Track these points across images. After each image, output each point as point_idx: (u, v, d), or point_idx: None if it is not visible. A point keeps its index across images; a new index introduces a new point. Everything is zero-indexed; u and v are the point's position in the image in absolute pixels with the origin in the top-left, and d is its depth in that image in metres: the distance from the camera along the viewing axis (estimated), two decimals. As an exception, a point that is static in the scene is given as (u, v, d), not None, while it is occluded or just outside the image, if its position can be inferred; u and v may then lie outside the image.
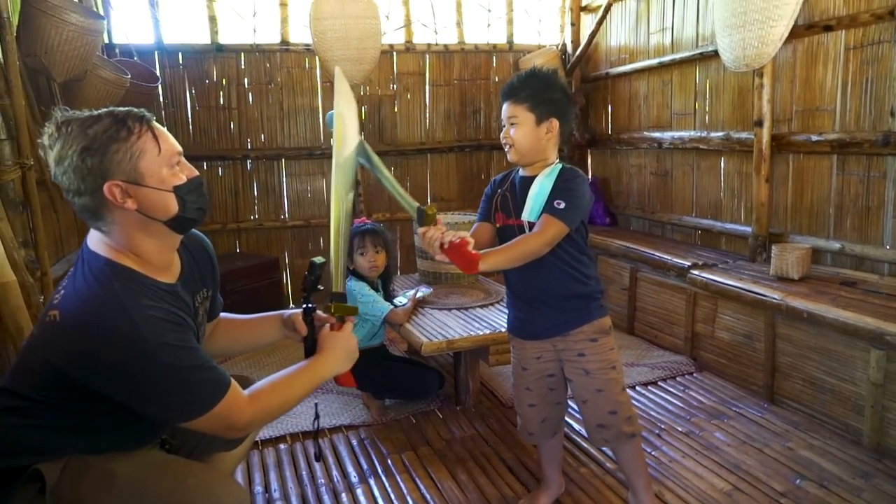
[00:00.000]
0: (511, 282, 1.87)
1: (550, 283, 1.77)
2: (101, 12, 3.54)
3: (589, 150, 4.75)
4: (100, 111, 1.19)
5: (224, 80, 4.05)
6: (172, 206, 1.24)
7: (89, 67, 2.64)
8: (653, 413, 2.61)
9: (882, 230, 2.66)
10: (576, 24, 4.63)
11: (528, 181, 1.76)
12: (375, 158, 1.61)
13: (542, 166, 1.76)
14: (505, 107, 1.76)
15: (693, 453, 2.28)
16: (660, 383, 2.91)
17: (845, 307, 2.32)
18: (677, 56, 3.72)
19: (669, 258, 3.27)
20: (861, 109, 2.70)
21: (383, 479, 2.15)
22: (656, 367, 3.07)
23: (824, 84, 2.86)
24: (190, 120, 4.02)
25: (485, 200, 1.91)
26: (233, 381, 1.27)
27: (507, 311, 1.96)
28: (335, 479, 2.15)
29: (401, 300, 2.68)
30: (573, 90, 4.60)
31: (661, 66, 3.88)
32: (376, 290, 2.60)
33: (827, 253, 2.91)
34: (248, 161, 4.18)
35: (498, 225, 1.85)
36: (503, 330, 2.40)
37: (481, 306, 2.73)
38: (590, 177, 4.68)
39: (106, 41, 3.65)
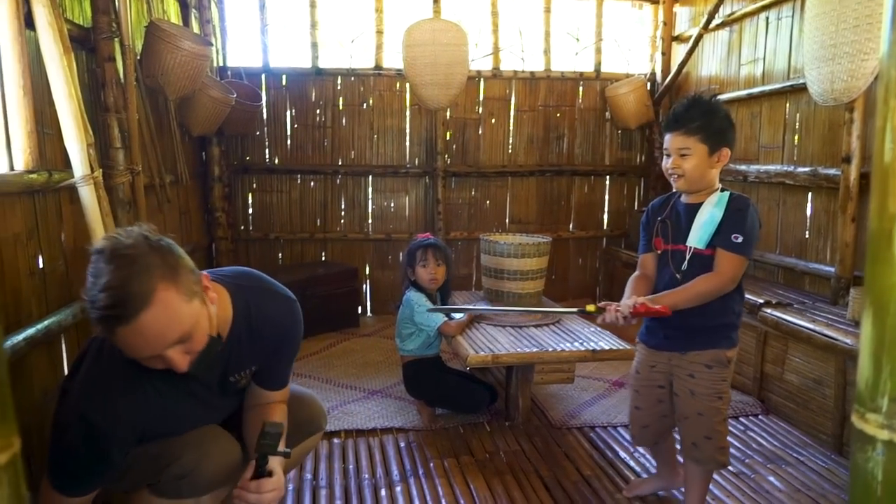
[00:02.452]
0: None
1: (694, 308, 1.75)
2: (219, 38, 3.97)
3: (674, 181, 4.66)
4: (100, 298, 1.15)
5: (321, 101, 4.38)
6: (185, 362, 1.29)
7: (199, 87, 2.98)
8: (705, 450, 2.54)
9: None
10: (666, 54, 4.59)
11: (694, 208, 1.79)
12: None
13: (707, 193, 1.78)
14: (671, 137, 1.76)
15: (739, 494, 2.21)
16: (720, 421, 2.82)
17: (921, 357, 2.17)
18: (767, 88, 3.61)
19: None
20: (958, 149, 2.53)
21: (422, 480, 2.25)
22: (719, 405, 2.97)
23: (919, 121, 2.69)
24: (289, 136, 4.38)
25: (644, 230, 1.96)
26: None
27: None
28: (378, 476, 2.28)
29: (458, 315, 2.79)
30: (660, 119, 4.55)
31: (751, 98, 3.78)
32: (434, 302, 2.73)
33: (915, 300, 2.72)
34: (338, 176, 4.48)
35: (658, 251, 1.89)
36: (550, 349, 2.46)
37: (535, 326, 2.78)
38: (673, 207, 4.59)
39: (220, 64, 4.08)
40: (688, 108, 1.74)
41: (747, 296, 3.11)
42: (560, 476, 2.31)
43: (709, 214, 1.73)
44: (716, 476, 2.33)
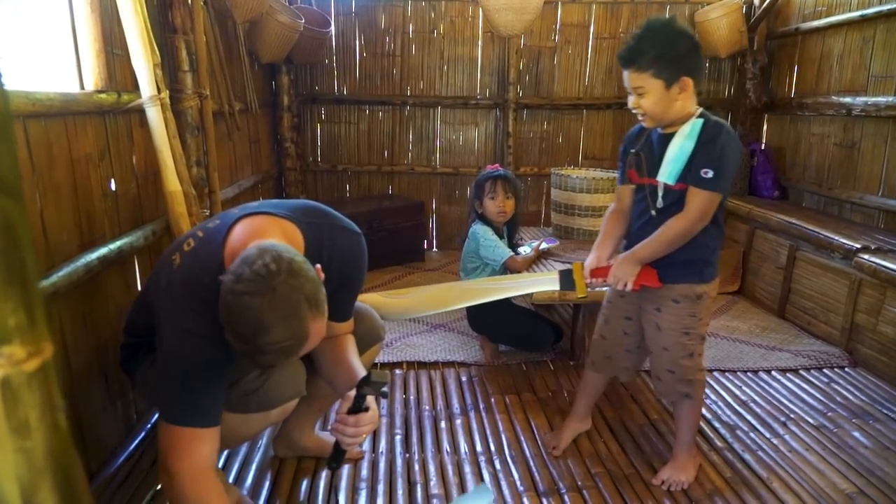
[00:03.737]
0: (630, 231, 1.85)
1: None
2: (287, -39, 3.86)
3: (766, 116, 4.31)
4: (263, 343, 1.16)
5: (391, 29, 4.24)
6: None
7: (267, 11, 2.92)
8: (783, 401, 2.40)
9: None
10: (767, -27, 4.14)
11: (667, 138, 1.67)
12: None
13: (682, 122, 1.65)
14: (627, 75, 1.63)
15: (820, 448, 2.08)
16: (801, 372, 2.66)
17: None
18: (885, 8, 3.20)
19: (836, 238, 2.91)
20: None
21: (483, 415, 2.24)
22: (801, 355, 2.80)
23: None
24: (357, 65, 4.29)
25: (621, 159, 1.85)
26: (214, 432, 1.30)
27: None
28: (439, 408, 2.28)
29: (525, 249, 2.70)
30: (755, 47, 4.16)
31: (864, 20, 3.37)
32: (501, 236, 2.65)
33: None
34: (407, 107, 4.38)
35: (635, 182, 1.79)
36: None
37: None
38: (763, 145, 4.26)
39: (289, -12, 3.99)
40: (638, 40, 1.57)
41: (841, 240, 2.88)
42: (626, 418, 2.24)
43: (679, 147, 1.60)
44: (793, 428, 2.20)
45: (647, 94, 1.60)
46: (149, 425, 2.03)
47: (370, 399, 1.38)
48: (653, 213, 1.72)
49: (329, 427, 1.38)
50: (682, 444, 1.89)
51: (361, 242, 1.54)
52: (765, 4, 4.05)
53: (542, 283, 1.97)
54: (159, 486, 1.73)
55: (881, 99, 3.23)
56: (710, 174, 1.57)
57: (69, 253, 1.60)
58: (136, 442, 1.93)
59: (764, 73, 4.21)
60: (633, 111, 1.67)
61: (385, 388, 1.37)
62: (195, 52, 2.25)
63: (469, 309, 2.71)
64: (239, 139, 3.16)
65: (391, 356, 2.65)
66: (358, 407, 1.35)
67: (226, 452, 1.91)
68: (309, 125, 4.36)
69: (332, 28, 4.09)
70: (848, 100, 3.46)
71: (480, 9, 4.11)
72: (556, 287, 1.97)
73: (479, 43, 4.30)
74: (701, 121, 1.63)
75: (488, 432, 2.13)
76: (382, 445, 2.03)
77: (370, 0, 4.18)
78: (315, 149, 4.40)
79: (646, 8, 4.30)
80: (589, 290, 1.91)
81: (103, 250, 1.70)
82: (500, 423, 2.18)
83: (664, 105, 1.61)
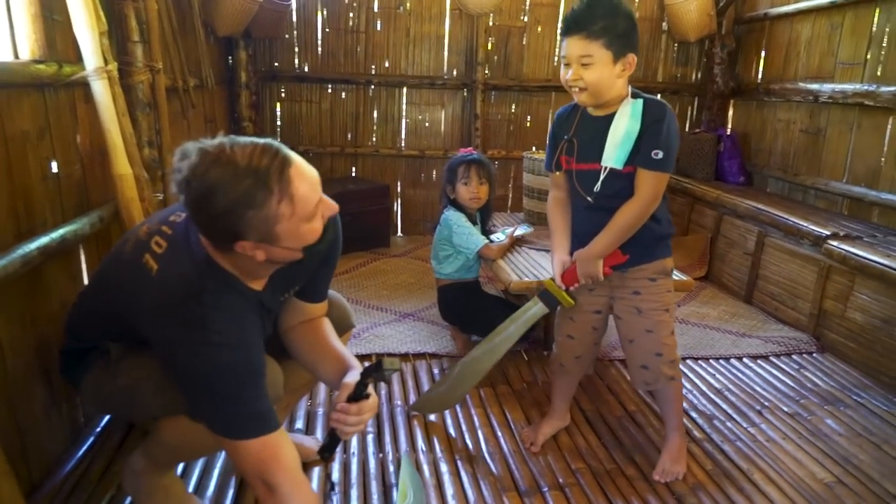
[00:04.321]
0: (575, 221, 1.77)
1: None
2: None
3: (732, 101, 4.31)
4: (243, 165, 1.06)
5: (355, 3, 4.05)
6: (298, 256, 1.21)
7: (224, -21, 2.72)
8: (757, 388, 2.39)
9: None
10: (736, -44, 4.12)
11: (606, 120, 1.60)
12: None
13: (616, 104, 1.59)
14: (570, 42, 1.54)
15: (796, 437, 2.07)
16: (772, 358, 2.66)
17: None
18: (854, -6, 3.21)
19: (806, 225, 2.92)
20: None
21: (457, 409, 2.15)
22: (771, 342, 2.80)
23: None
24: (320, 41, 4.09)
25: (551, 143, 1.76)
26: (284, 431, 1.25)
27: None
28: (411, 402, 2.19)
29: (498, 236, 2.61)
30: (723, 32, 4.15)
31: (833, 7, 3.37)
32: (474, 222, 2.55)
33: None
34: (371, 87, 4.21)
35: (566, 168, 1.71)
36: (600, 278, 2.28)
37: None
38: (728, 130, 4.27)
39: (246, -43, 3.75)
40: (589, 6, 1.50)
41: (810, 227, 2.89)
42: (603, 410, 2.19)
43: (625, 129, 1.54)
44: (768, 416, 2.19)
45: (593, 66, 1.52)
46: (98, 429, 1.87)
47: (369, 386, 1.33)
48: (589, 199, 1.66)
49: (330, 416, 1.33)
50: (674, 429, 1.85)
51: (337, 218, 1.43)
52: (733, -12, 4.03)
53: (531, 316, 1.85)
54: (110, 496, 1.59)
55: (848, 86, 3.24)
56: (661, 154, 1.54)
57: (4, 243, 1.43)
58: (85, 448, 1.77)
59: (732, 59, 4.20)
60: (570, 86, 1.58)
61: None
62: (146, 20, 2.06)
63: (442, 297, 2.62)
64: (194, 118, 2.96)
65: (360, 347, 2.54)
66: (360, 394, 1.29)
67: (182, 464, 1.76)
68: (268, 104, 4.16)
69: (294, 1, 3.89)
70: (815, 86, 3.47)
71: (448, -15, 3.98)
72: (545, 310, 1.83)
73: (447, 21, 4.15)
74: (641, 100, 1.57)
75: (464, 428, 2.05)
76: (354, 446, 1.92)
77: (334, -28, 3.98)
78: (275, 129, 4.20)
79: (616, -11, 4.22)
80: (572, 293, 1.80)
81: (44, 239, 1.52)
82: (475, 419, 2.10)
83: (608, 81, 1.54)
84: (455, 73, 4.24)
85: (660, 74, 4.43)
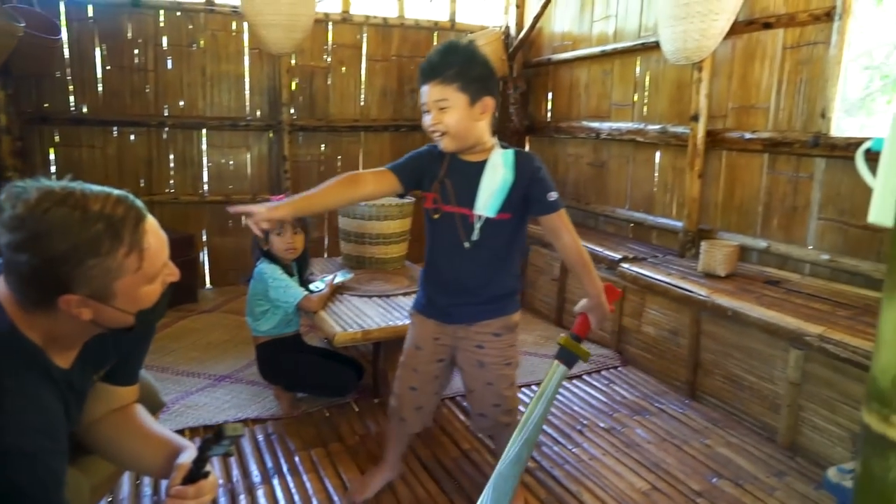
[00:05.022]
0: (439, 266, 1.73)
1: (486, 274, 1.67)
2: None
3: (527, 137, 4.67)
4: (95, 210, 0.97)
5: (140, 39, 3.72)
6: (130, 322, 1.06)
7: (-32, 10, 2.32)
8: (576, 409, 2.55)
9: (806, 231, 2.68)
10: (521, 7, 4.50)
11: (477, 168, 1.60)
12: None
13: (483, 150, 1.61)
14: (428, 88, 1.55)
15: (614, 451, 2.23)
16: (585, 377, 2.86)
17: (768, 306, 2.30)
18: (619, 45, 3.65)
19: (601, 250, 3.22)
20: (794, 109, 2.70)
21: (288, 478, 1.99)
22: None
23: (760, 82, 2.84)
24: (100, 80, 3.68)
25: (413, 161, 1.70)
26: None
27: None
28: (234, 480, 1.98)
29: (317, 285, 2.51)
30: (514, 75, 4.49)
31: (604, 55, 3.81)
32: (291, 274, 2.42)
33: (753, 251, 2.92)
34: (165, 129, 3.87)
35: (430, 206, 1.67)
36: (425, 320, 2.28)
37: (404, 294, 2.59)
38: (527, 164, 4.60)
39: (0, -15, 3.27)
40: (443, 54, 1.56)
41: (605, 252, 3.18)
42: (439, 454, 2.17)
43: (500, 180, 1.58)
44: (588, 435, 2.34)
45: (450, 110, 1.54)
46: None
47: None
48: (466, 245, 1.65)
49: None
50: None
51: None
52: (520, 36, 4.39)
53: (557, 383, 1.61)
54: None
55: (622, 125, 3.67)
56: (554, 195, 1.60)
57: None
58: None
59: (524, 99, 4.55)
60: (431, 131, 1.58)
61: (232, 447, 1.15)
62: None
63: (261, 356, 2.43)
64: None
65: (171, 423, 2.24)
66: (198, 473, 1.13)
67: None
68: (39, 150, 3.62)
69: (64, 34, 3.46)
70: (596, 124, 3.88)
71: (245, 23, 3.82)
72: (568, 370, 1.63)
73: (247, 60, 3.98)
74: (511, 151, 1.62)
75: (297, 499, 1.89)
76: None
77: (112, 6, 3.61)
78: (48, 178, 3.66)
79: (416, 33, 4.38)
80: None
81: None
82: (308, 486, 1.96)
83: (467, 124, 1.56)
84: (259, 113, 4.06)
85: (462, 114, 4.65)
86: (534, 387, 2.74)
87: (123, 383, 1.29)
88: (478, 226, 1.62)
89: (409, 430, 1.89)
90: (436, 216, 1.68)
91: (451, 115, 1.55)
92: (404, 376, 1.82)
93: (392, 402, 1.87)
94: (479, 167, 1.61)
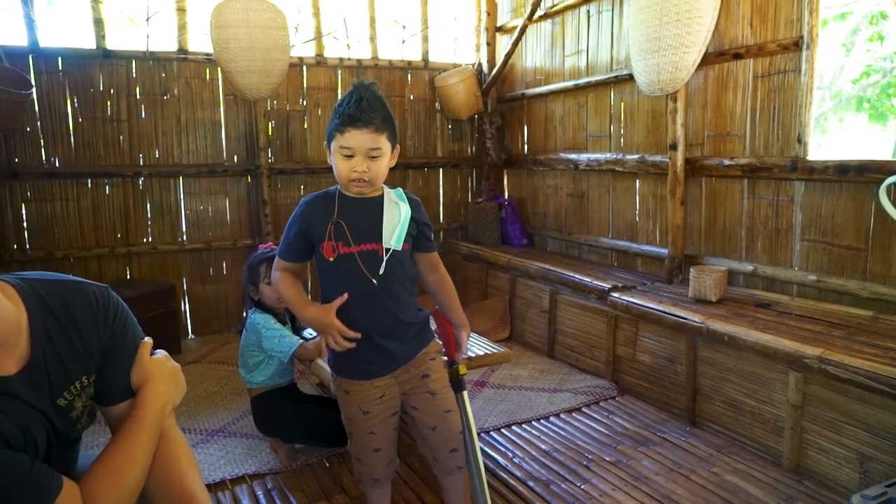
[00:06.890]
0: (353, 313, 1.62)
1: (401, 304, 1.67)
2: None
3: (505, 171, 4.71)
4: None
5: (112, 90, 3.67)
6: None
7: (-60, 68, 2.26)
8: (580, 443, 2.51)
9: (791, 252, 2.73)
10: (491, 45, 4.59)
11: (373, 204, 1.63)
12: None
13: (375, 189, 1.65)
14: (357, 136, 1.52)
15: (623, 485, 2.19)
16: (584, 409, 2.84)
17: (763, 330, 2.33)
18: (592, 79, 3.73)
19: (590, 280, 3.23)
20: (770, 136, 2.78)
21: (293, 537, 1.91)
22: (579, 392, 3.00)
23: (734, 110, 2.92)
24: (72, 132, 3.61)
25: (296, 241, 1.65)
26: (67, 483, 1.00)
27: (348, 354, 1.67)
28: (237, 542, 1.89)
29: (311, 332, 2.45)
30: (489, 110, 4.55)
31: (577, 89, 3.89)
32: (283, 323, 2.36)
33: (740, 274, 2.96)
34: (141, 178, 3.80)
35: (339, 253, 1.60)
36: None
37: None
38: (506, 196, 4.64)
39: (-32, 41, 3.21)
40: (369, 102, 1.53)
41: (595, 282, 3.19)
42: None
43: (404, 213, 1.64)
44: (595, 469, 2.30)
45: (381, 158, 1.57)
46: None
47: None
48: (374, 281, 1.60)
49: None
50: None
51: (110, 294, 1.18)
52: (493, 72, 4.47)
53: (469, 407, 1.81)
54: None
55: (600, 155, 3.73)
56: (432, 235, 1.77)
57: None
58: None
59: (500, 133, 4.61)
60: (357, 178, 1.55)
61: None
62: None
63: (254, 409, 2.36)
64: None
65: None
66: None
67: None
68: (10, 205, 3.52)
69: (34, 91, 3.39)
70: (573, 156, 3.93)
71: (219, 70, 3.81)
72: (464, 389, 1.80)
73: (222, 106, 3.95)
74: (399, 188, 1.70)
75: (305, 559, 1.82)
76: None
77: (82, 58, 3.57)
78: (20, 234, 3.56)
79: (390, 73, 4.42)
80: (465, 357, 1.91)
81: None
82: (316, 544, 1.88)
83: (385, 170, 1.62)
84: (236, 158, 4.02)
85: (438, 150, 4.68)
86: (534, 422, 2.70)
87: (119, 400, 1.17)
88: (386, 258, 1.62)
89: (385, 487, 1.81)
90: (332, 258, 1.61)
91: (381, 163, 1.58)
92: (363, 443, 1.71)
93: (358, 468, 1.76)
94: (376, 203, 1.64)
